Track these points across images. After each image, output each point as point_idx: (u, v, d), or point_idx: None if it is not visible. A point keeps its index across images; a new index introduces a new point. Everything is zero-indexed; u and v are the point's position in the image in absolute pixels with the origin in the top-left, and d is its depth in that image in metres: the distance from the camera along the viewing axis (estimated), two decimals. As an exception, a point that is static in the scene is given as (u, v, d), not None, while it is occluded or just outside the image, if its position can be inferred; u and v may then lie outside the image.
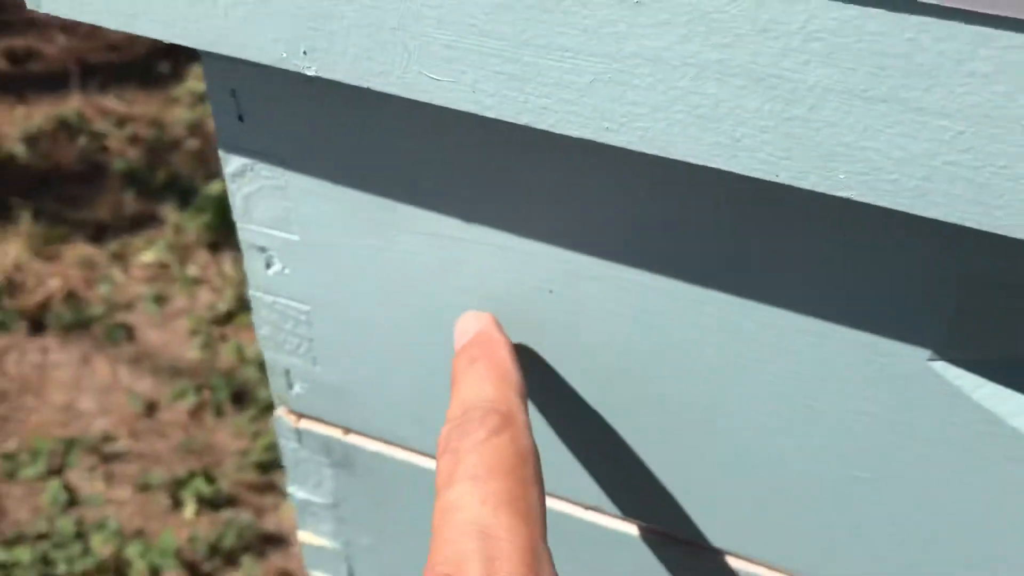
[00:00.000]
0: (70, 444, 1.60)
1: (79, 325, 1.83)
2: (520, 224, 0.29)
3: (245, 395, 1.72)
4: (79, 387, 1.76)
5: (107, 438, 1.65)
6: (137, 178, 2.05)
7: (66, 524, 1.50)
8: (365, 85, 0.24)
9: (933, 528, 0.30)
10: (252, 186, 0.32)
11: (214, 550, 1.47)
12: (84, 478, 1.60)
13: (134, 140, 2.17)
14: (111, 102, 2.27)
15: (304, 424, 0.39)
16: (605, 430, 0.33)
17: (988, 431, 0.27)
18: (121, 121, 2.21)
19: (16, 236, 1.94)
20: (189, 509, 1.54)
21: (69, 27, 2.49)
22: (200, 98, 2.30)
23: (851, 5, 0.19)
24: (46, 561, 1.43)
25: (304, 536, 0.44)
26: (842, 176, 0.21)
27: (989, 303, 0.25)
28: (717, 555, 0.35)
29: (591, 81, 0.22)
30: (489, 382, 0.27)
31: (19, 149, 2.08)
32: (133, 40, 2.54)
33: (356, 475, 0.40)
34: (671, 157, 0.22)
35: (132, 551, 1.45)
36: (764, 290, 0.27)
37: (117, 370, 1.78)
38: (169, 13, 0.25)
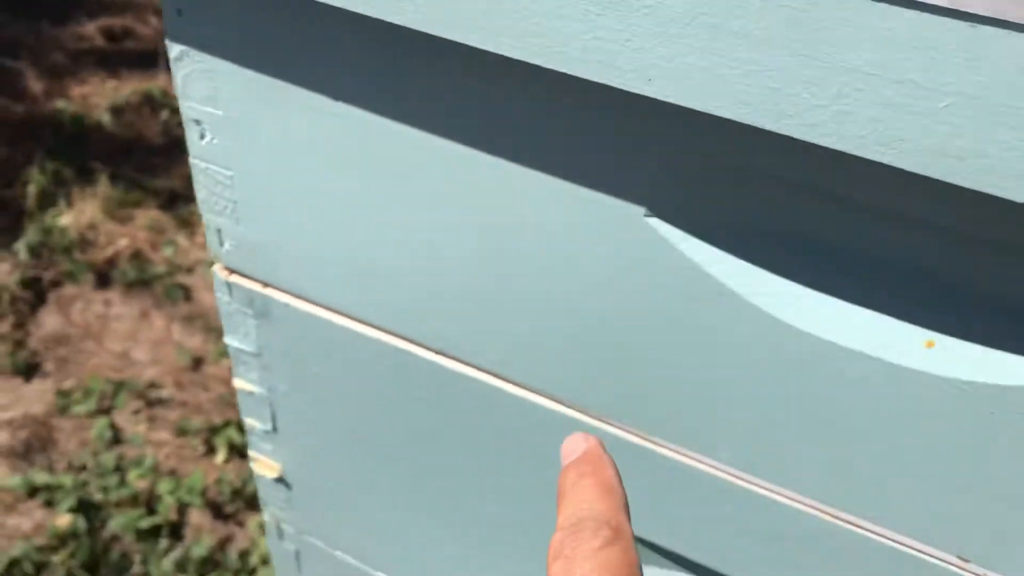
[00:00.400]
0: (119, 387, 1.75)
1: (142, 282, 1.98)
2: (384, 107, 0.39)
3: (284, 359, 1.85)
4: (135, 338, 1.91)
5: (153, 385, 1.79)
6: (209, 153, 2.21)
7: (108, 458, 1.65)
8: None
9: (647, 357, 0.39)
10: (187, 69, 0.42)
11: (237, 494, 1.60)
12: (129, 420, 1.74)
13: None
14: (195, 83, 2.44)
15: (233, 279, 0.50)
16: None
17: (691, 277, 0.36)
18: (201, 101, 2.38)
19: (93, 197, 2.11)
20: (220, 455, 1.66)
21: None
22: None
23: None
24: (85, 487, 1.57)
25: (237, 383, 0.55)
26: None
27: (691, 171, 0.34)
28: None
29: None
30: (599, 497, 0.29)
31: (106, 118, 2.27)
32: (221, 28, 2.73)
33: (273, 325, 0.51)
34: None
35: (163, 487, 1.59)
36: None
37: (171, 326, 1.92)
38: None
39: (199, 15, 0.40)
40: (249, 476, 1.61)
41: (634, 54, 0.29)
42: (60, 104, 2.32)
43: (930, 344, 0.34)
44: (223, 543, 1.56)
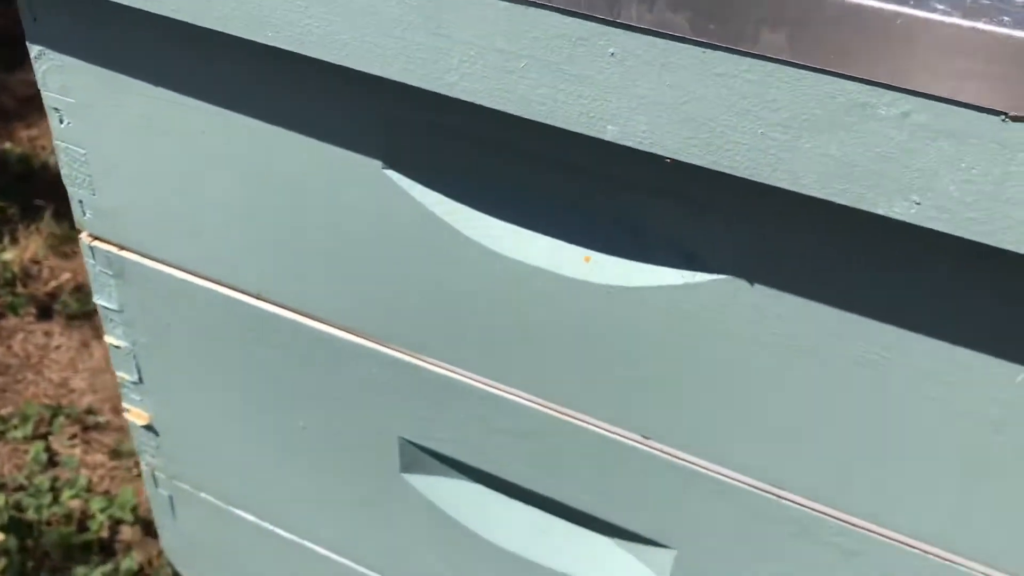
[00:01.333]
0: (55, 412, 1.84)
1: (83, 314, 2.08)
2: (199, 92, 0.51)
3: (219, 385, 1.95)
4: (75, 367, 2.00)
5: (90, 411, 1.88)
6: (152, 191, 2.33)
7: (42, 480, 1.73)
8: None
9: (394, 281, 0.51)
10: (45, 65, 0.55)
11: (167, 512, 1.69)
12: (65, 444, 1.83)
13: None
14: (141, 126, 2.57)
15: (95, 244, 0.62)
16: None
17: (423, 221, 0.48)
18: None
19: (37, 233, 2.22)
20: (152, 476, 1.75)
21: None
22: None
23: None
24: (19, 508, 1.66)
25: (108, 339, 0.66)
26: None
27: (417, 132, 0.46)
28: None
29: None
30: None
31: (51, 160, 2.38)
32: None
33: (129, 284, 0.62)
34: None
35: (95, 505, 1.67)
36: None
37: (109, 356, 2.02)
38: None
39: (51, 21, 0.53)
40: (179, 494, 1.71)
41: (326, 34, 0.41)
42: (7, 146, 2.43)
43: (587, 259, 0.47)
44: (151, 559, 1.64)
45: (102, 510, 1.68)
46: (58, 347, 2.03)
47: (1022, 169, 0.32)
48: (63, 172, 0.59)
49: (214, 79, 0.50)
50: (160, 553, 1.66)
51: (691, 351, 0.46)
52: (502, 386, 0.53)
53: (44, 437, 1.83)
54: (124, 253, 0.61)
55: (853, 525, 0.48)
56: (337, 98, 0.47)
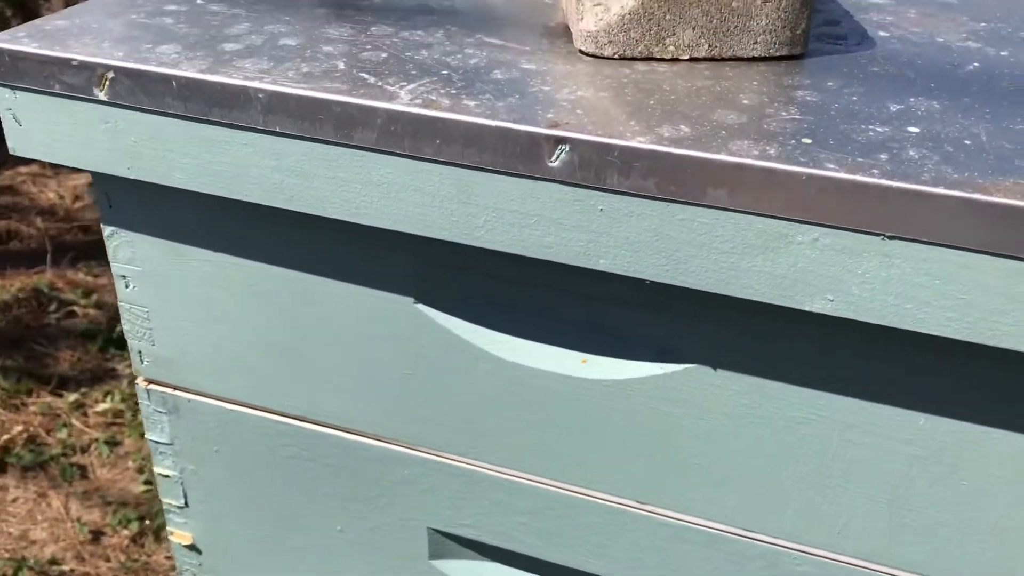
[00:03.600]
0: (19, 566, 1.86)
1: (38, 465, 2.12)
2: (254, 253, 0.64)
3: (182, 522, 2.00)
4: (33, 519, 2.03)
5: (54, 561, 1.92)
6: (99, 338, 2.40)
7: (12, 635, 1.75)
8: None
9: (427, 392, 0.63)
10: (116, 242, 0.67)
11: (144, 653, 1.72)
12: (32, 597, 1.85)
13: (99, 306, 2.53)
14: (80, 275, 2.65)
15: (151, 387, 0.73)
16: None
17: (448, 342, 0.61)
18: (87, 291, 2.58)
19: (-13, 389, 2.26)
20: (125, 620, 1.79)
21: (46, 210, 2.91)
22: (160, 269, 2.69)
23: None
24: (-8, 664, 1.67)
25: (157, 470, 0.76)
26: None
27: (442, 272, 0.60)
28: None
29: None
30: None
31: (-6, 315, 2.44)
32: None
33: (181, 418, 0.73)
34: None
35: (70, 654, 1.70)
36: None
37: (69, 503, 2.06)
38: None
39: (123, 206, 0.65)
40: (154, 636, 1.74)
41: (378, 208, 0.55)
42: (-51, 305, 2.48)
43: (584, 360, 0.60)
44: None
45: (77, 659, 1.70)
46: (15, 500, 2.07)
47: (900, 272, 0.47)
48: (125, 328, 0.71)
49: (264, 240, 0.63)
50: None
51: (672, 427, 0.60)
52: (517, 472, 0.66)
53: (10, 592, 1.85)
54: (178, 392, 0.72)
55: (812, 555, 0.61)
56: (376, 252, 0.60)
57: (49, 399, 2.28)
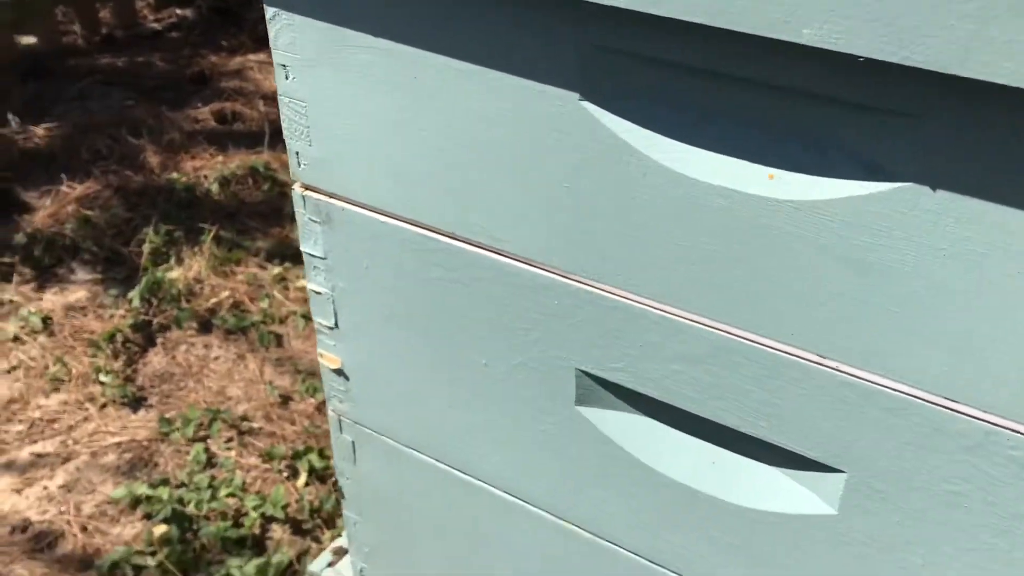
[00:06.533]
0: (214, 417, 1.95)
1: (240, 329, 2.21)
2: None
3: (364, 398, 2.04)
4: (231, 377, 2.12)
5: (245, 418, 2.00)
6: (304, 218, 2.48)
7: (202, 479, 1.84)
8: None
9: (587, 209, 0.55)
10: (278, 25, 0.62)
11: (316, 512, 1.76)
12: (222, 447, 1.94)
13: (307, 189, 2.61)
14: (294, 159, 2.74)
15: (307, 193, 0.69)
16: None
17: (614, 149, 0.53)
18: (299, 174, 2.67)
19: (200, 255, 2.37)
20: (302, 479, 1.84)
21: (269, 96, 3.00)
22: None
23: None
24: (181, 501, 1.76)
25: (310, 286, 0.73)
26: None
27: (612, 64, 0.51)
28: (512, 253, 0.61)
29: None
30: None
31: (214, 188, 2.55)
32: (320, 111, 3.04)
33: (335, 230, 0.69)
34: None
35: (249, 503, 1.77)
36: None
37: (264, 367, 2.14)
38: None
39: (285, -14, 0.60)
40: (327, 496, 1.78)
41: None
42: (174, 175, 2.62)
43: (771, 176, 0.50)
44: (300, 555, 1.72)
45: (255, 508, 1.76)
46: (216, 358, 2.16)
47: None
48: (284, 127, 0.67)
49: (428, 26, 0.56)
50: (308, 551, 1.73)
51: (871, 263, 0.49)
52: (680, 311, 0.57)
53: (203, 440, 1.94)
54: (333, 201, 0.68)
55: (1030, 438, 0.49)
56: (539, 32, 0.53)
57: (255, 270, 2.36)
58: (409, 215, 0.65)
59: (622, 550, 0.69)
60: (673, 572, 0.67)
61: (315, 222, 0.70)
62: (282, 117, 0.66)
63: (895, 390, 0.52)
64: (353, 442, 0.80)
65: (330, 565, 0.89)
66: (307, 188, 0.69)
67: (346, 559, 0.91)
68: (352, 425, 0.79)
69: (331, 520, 1.77)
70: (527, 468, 0.70)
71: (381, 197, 0.65)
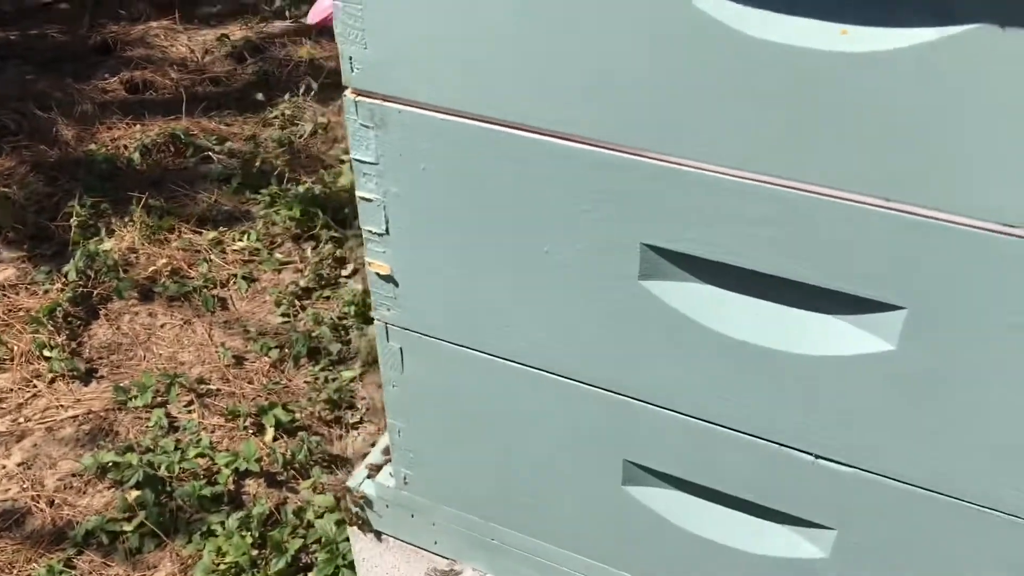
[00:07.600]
0: (171, 382, 1.92)
1: (182, 295, 2.17)
2: None
3: (319, 351, 2.03)
4: (181, 343, 2.09)
5: (201, 381, 1.97)
6: (233, 181, 2.43)
7: (167, 442, 1.81)
8: None
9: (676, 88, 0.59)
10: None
11: (288, 463, 1.76)
12: (182, 410, 1.91)
13: (232, 153, 2.56)
14: (213, 123, 2.67)
15: (360, 99, 0.70)
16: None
17: (688, 19, 0.56)
18: (221, 138, 2.60)
19: (131, 225, 2.31)
20: (269, 434, 1.83)
21: (178, 63, 2.92)
22: (290, 120, 2.70)
23: None
24: (151, 465, 1.74)
25: (359, 193, 0.74)
26: None
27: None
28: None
29: None
30: None
31: (136, 157, 2.48)
32: (232, 74, 2.97)
33: (389, 134, 0.70)
34: None
35: (221, 460, 1.75)
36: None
37: (212, 331, 2.11)
38: None
39: None
40: (299, 448, 1.78)
41: None
42: (92, 147, 2.53)
43: (844, 32, 0.55)
44: (279, 506, 1.72)
45: (228, 464, 1.75)
46: (163, 326, 2.12)
47: None
48: (337, 33, 0.68)
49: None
50: (286, 501, 1.74)
51: (943, 106, 0.54)
52: (750, 174, 0.61)
53: (163, 405, 1.91)
54: (388, 104, 0.69)
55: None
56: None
57: (190, 236, 2.32)
58: (475, 110, 0.66)
59: (678, 414, 0.73)
60: (731, 429, 0.72)
61: (367, 127, 0.71)
62: (335, 24, 0.67)
63: (957, 222, 0.57)
64: (401, 348, 0.82)
65: (368, 478, 0.91)
66: (360, 94, 0.70)
67: (384, 471, 0.93)
68: (400, 332, 0.81)
69: (304, 470, 1.78)
70: (587, 350, 0.73)
71: (444, 94, 0.67)
